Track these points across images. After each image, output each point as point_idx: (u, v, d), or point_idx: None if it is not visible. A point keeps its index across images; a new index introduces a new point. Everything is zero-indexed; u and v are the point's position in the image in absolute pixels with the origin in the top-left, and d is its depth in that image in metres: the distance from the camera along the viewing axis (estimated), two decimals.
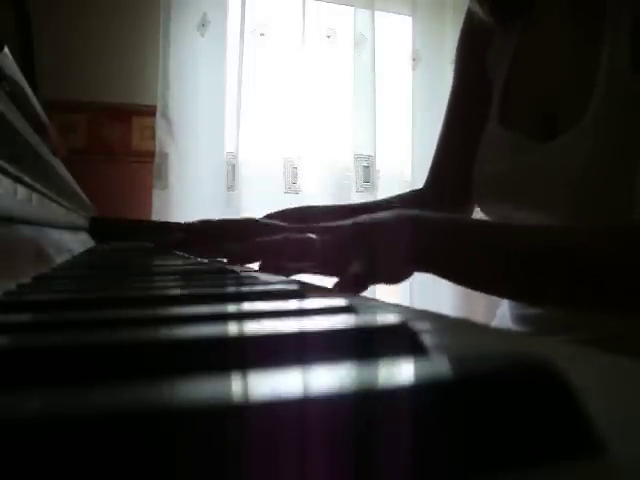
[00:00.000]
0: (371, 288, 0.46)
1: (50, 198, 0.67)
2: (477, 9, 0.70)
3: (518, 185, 0.62)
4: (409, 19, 2.05)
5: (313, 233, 0.45)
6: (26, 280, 0.38)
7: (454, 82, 0.78)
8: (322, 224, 0.49)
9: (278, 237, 0.45)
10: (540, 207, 0.60)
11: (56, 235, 0.70)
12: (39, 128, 0.52)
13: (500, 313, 0.73)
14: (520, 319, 0.67)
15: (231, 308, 0.21)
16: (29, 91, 0.49)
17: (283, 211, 0.71)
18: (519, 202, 0.63)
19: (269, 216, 0.69)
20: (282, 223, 0.55)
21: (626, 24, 0.54)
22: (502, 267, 0.45)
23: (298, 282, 0.40)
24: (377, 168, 1.96)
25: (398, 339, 0.16)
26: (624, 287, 0.43)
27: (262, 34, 1.88)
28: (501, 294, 0.54)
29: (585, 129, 0.55)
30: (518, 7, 0.69)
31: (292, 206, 0.75)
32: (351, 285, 0.42)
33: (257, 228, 0.54)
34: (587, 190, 0.55)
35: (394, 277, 0.48)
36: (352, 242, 0.45)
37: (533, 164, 0.61)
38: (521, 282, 0.46)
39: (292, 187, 1.88)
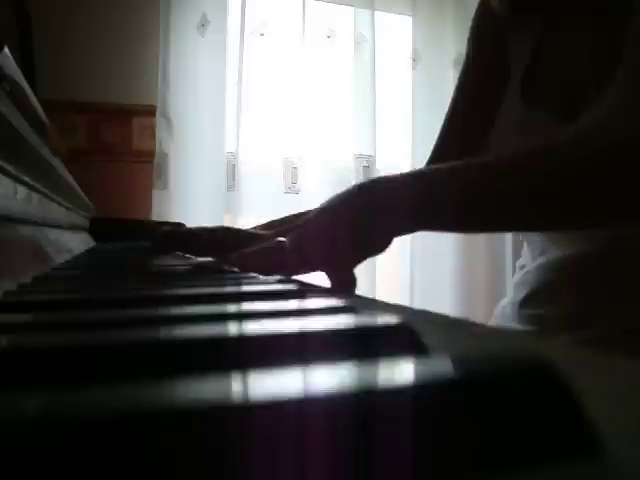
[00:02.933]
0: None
1: (50, 198, 0.67)
2: (495, 4, 0.69)
3: None
4: (409, 19, 2.05)
5: (283, 235, 0.46)
6: (26, 280, 0.38)
7: (465, 62, 0.78)
8: (288, 225, 0.50)
9: (253, 249, 0.46)
10: None
11: (56, 235, 0.70)
12: (39, 128, 0.52)
13: (499, 310, 0.73)
14: (523, 317, 0.67)
15: (231, 308, 0.21)
16: (29, 91, 0.49)
17: (272, 222, 0.70)
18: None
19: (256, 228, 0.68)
20: (261, 231, 0.55)
21: None
22: (489, 202, 0.45)
23: (298, 282, 0.40)
24: (377, 168, 1.96)
25: (398, 339, 0.16)
26: (622, 193, 0.44)
27: (262, 34, 1.88)
28: (496, 228, 0.54)
29: (611, 109, 0.54)
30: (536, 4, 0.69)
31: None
32: (343, 285, 0.42)
33: (241, 238, 0.54)
34: None
35: (375, 246, 0.47)
36: (320, 230, 0.45)
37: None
38: (514, 207, 0.46)
39: (292, 187, 1.88)
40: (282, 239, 0.45)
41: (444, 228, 0.50)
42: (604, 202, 0.46)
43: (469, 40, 0.79)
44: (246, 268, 0.46)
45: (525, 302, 0.67)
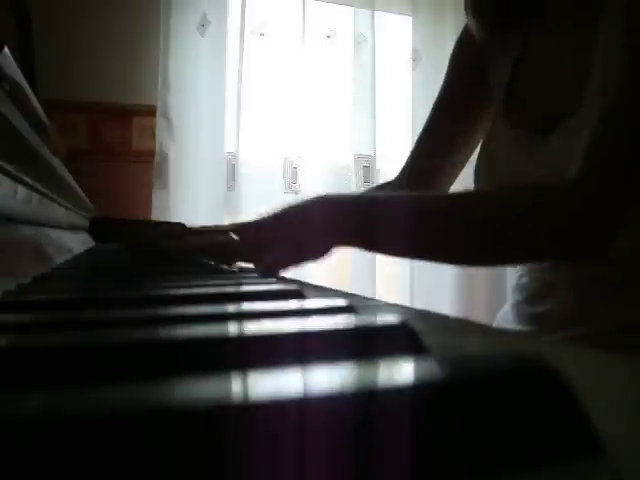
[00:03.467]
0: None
1: (50, 198, 0.67)
2: (475, 26, 0.72)
3: (520, 180, 0.63)
4: (409, 19, 2.05)
5: (239, 230, 0.52)
6: (26, 280, 0.38)
7: (444, 83, 0.81)
8: (246, 221, 0.55)
9: (205, 241, 0.53)
10: None
11: (56, 235, 0.70)
12: (39, 128, 0.52)
13: (501, 316, 0.74)
14: (523, 317, 0.68)
15: (231, 308, 0.21)
16: (29, 91, 0.49)
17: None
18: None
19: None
20: (209, 225, 0.61)
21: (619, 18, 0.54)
22: (413, 232, 0.51)
23: (298, 282, 0.40)
24: (377, 168, 1.96)
25: (398, 339, 0.16)
26: (545, 239, 0.49)
27: (262, 34, 1.88)
28: (413, 256, 0.61)
29: (580, 118, 0.56)
30: (515, 23, 0.71)
31: None
32: (275, 265, 0.48)
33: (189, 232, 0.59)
34: None
35: (315, 254, 0.53)
36: (270, 229, 0.52)
37: (535, 159, 0.62)
38: (443, 244, 0.52)
39: (292, 187, 1.88)
40: (233, 236, 0.49)
41: (378, 249, 0.57)
42: (520, 245, 0.51)
43: (449, 63, 0.81)
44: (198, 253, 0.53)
45: (523, 302, 0.68)
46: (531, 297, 0.67)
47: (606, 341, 0.54)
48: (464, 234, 0.50)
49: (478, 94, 0.75)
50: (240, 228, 0.54)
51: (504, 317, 0.72)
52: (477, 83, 0.76)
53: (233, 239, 0.51)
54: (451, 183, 0.82)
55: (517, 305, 0.69)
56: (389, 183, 0.85)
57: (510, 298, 0.72)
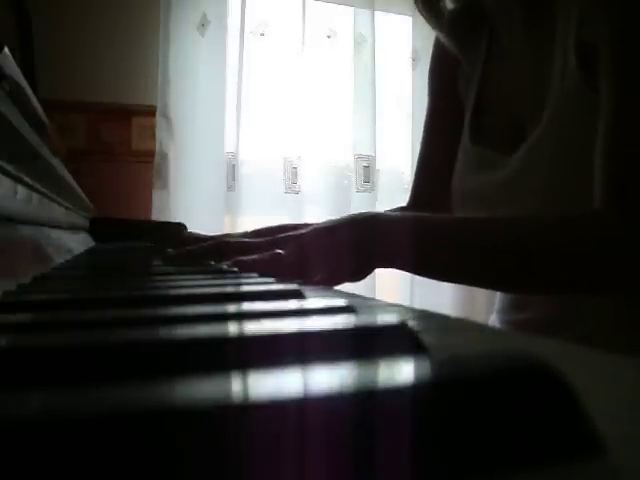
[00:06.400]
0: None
1: (50, 198, 0.67)
2: (441, 37, 0.72)
3: (492, 198, 0.64)
4: (409, 19, 2.05)
5: (278, 244, 0.48)
6: (26, 280, 0.38)
7: (429, 104, 0.80)
8: (284, 235, 0.51)
9: (253, 257, 0.48)
10: None
11: (56, 235, 0.70)
12: (39, 128, 0.52)
13: (491, 320, 0.74)
14: (507, 324, 0.69)
15: (231, 308, 0.21)
16: (29, 91, 0.49)
17: (259, 230, 0.70)
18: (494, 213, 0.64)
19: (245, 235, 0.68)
20: (255, 239, 0.56)
21: (573, 25, 0.55)
22: (454, 259, 0.49)
23: (298, 282, 0.40)
24: (377, 168, 1.96)
25: (398, 339, 0.16)
26: (573, 271, 0.47)
27: (262, 34, 1.88)
28: (455, 281, 0.58)
29: (543, 132, 0.56)
30: (476, 33, 0.71)
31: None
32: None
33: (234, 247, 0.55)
34: (550, 193, 0.57)
35: (356, 275, 0.50)
36: (313, 248, 0.47)
37: (503, 177, 0.62)
38: (480, 271, 0.50)
39: (292, 187, 1.88)
40: (279, 251, 0.46)
41: (432, 275, 0.53)
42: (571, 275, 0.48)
43: (429, 83, 0.81)
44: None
45: (507, 308, 0.68)
46: (514, 304, 0.67)
47: (590, 344, 0.54)
48: (521, 266, 0.48)
49: (460, 112, 0.74)
50: (281, 240, 0.50)
51: (493, 322, 0.73)
52: (457, 99, 0.75)
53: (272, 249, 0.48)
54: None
55: (501, 312, 0.70)
56: (402, 208, 0.84)
57: (496, 305, 0.72)
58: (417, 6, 0.71)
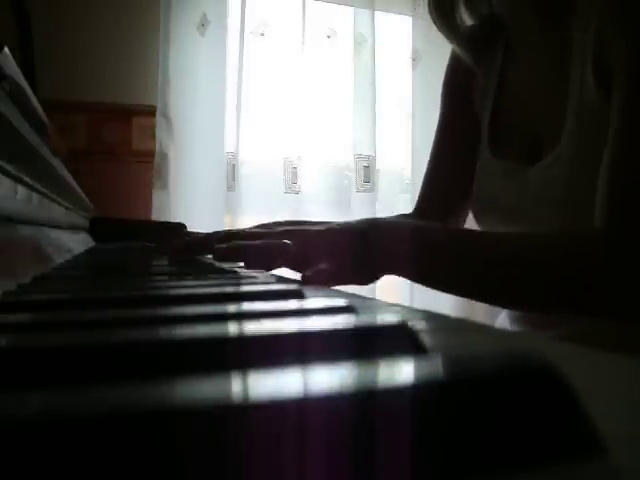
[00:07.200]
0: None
1: (50, 198, 0.67)
2: (457, 49, 0.73)
3: (512, 209, 0.65)
4: (409, 19, 2.05)
5: (288, 238, 0.48)
6: (26, 280, 0.38)
7: (441, 116, 0.80)
8: (296, 228, 0.52)
9: (258, 242, 0.48)
10: (532, 228, 0.61)
11: (56, 235, 0.70)
12: (39, 128, 0.52)
13: (499, 321, 0.75)
14: (513, 318, 0.69)
15: (231, 308, 0.21)
16: (29, 91, 0.49)
17: (265, 224, 0.70)
18: (514, 224, 0.65)
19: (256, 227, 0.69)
20: (263, 230, 0.56)
21: (590, 39, 0.55)
22: (460, 272, 0.49)
23: (298, 282, 0.40)
24: (377, 168, 1.96)
25: (398, 339, 0.15)
26: (577, 289, 0.47)
27: (262, 34, 1.88)
28: (460, 294, 0.58)
29: (563, 147, 0.57)
30: (492, 45, 0.71)
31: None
32: (320, 279, 0.43)
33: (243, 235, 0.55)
34: (570, 208, 0.57)
35: (361, 279, 0.50)
36: (320, 245, 0.48)
37: (522, 187, 0.62)
38: (479, 285, 0.50)
39: (292, 187, 1.87)
40: (287, 241, 0.46)
41: (432, 286, 0.54)
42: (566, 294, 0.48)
43: (442, 94, 0.80)
44: (250, 260, 0.49)
45: None
46: None
47: (587, 340, 0.55)
48: (529, 283, 0.48)
49: (474, 122, 0.74)
50: (286, 233, 0.50)
51: (502, 323, 0.73)
52: (471, 111, 0.76)
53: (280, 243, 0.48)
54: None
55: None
56: (406, 216, 0.84)
57: None
58: (432, 19, 0.71)
